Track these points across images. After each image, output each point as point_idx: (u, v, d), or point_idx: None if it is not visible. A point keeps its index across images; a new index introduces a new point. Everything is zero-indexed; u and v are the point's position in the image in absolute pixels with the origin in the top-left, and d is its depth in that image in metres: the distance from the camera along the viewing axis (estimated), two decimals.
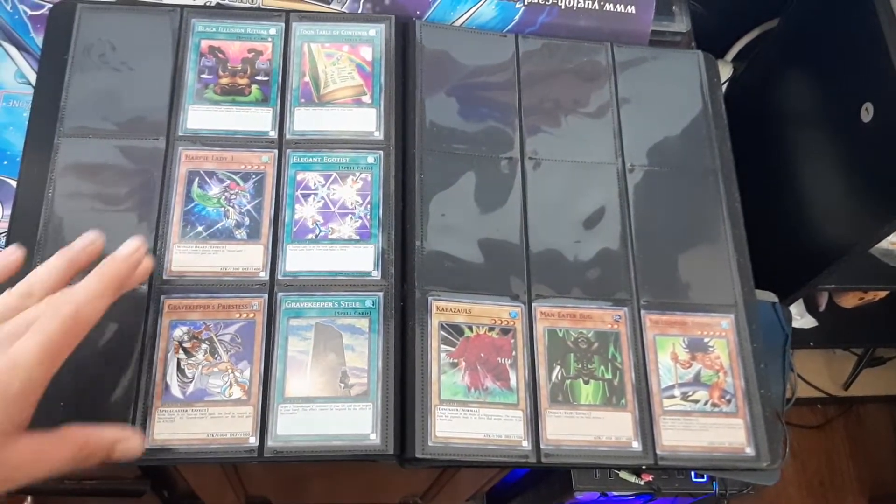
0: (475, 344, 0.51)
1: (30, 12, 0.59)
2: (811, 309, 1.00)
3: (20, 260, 0.42)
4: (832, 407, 1.39)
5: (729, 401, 0.52)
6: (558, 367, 0.52)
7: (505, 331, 0.52)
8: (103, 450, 0.38)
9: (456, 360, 0.50)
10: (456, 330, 0.51)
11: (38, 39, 0.58)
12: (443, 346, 0.51)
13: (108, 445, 0.38)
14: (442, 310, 0.52)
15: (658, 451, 0.50)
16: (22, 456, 0.34)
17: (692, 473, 0.65)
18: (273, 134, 0.55)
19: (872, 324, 1.06)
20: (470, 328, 0.52)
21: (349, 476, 0.79)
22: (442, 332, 0.51)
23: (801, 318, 0.98)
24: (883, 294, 0.97)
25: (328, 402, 0.48)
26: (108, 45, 0.57)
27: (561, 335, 0.52)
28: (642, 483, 0.64)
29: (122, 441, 0.39)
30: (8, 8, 0.59)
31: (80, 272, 0.42)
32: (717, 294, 0.55)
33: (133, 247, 0.42)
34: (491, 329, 0.52)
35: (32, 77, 0.58)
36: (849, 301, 1.00)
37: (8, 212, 0.54)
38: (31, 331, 0.36)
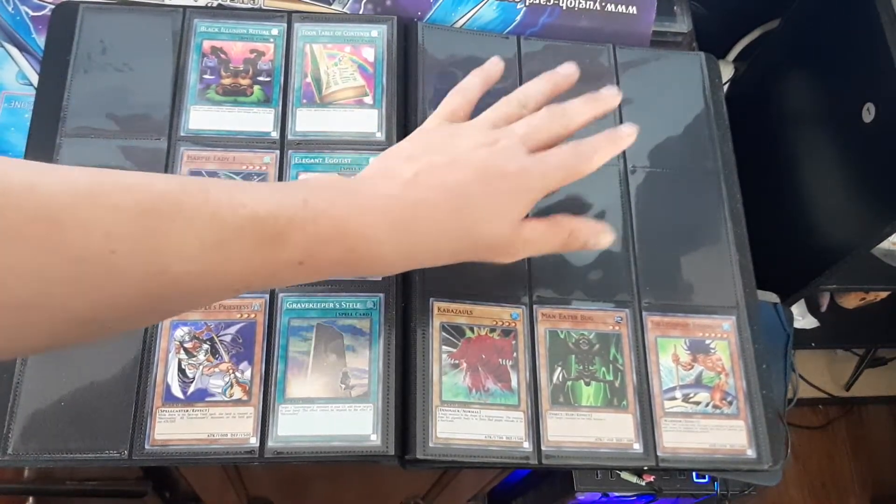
0: (476, 345, 0.51)
1: (31, 13, 0.60)
2: (813, 309, 1.00)
3: (501, 69, 0.49)
4: (834, 407, 1.39)
5: (730, 402, 0.52)
6: (559, 369, 0.51)
7: (506, 332, 0.52)
8: (586, 239, 0.44)
9: (457, 362, 0.50)
10: (457, 331, 0.51)
11: (40, 40, 0.59)
12: (444, 348, 0.51)
13: (589, 235, 0.44)
14: (443, 311, 0.52)
15: (659, 453, 0.50)
16: (532, 233, 0.42)
17: (694, 474, 0.65)
18: (275, 135, 0.56)
19: (874, 324, 1.06)
20: (471, 329, 0.52)
21: (351, 477, 0.79)
22: (443, 334, 0.51)
23: (802, 318, 0.98)
24: (884, 294, 0.97)
25: (329, 403, 0.48)
26: (110, 46, 0.57)
27: (562, 337, 0.52)
28: (644, 484, 0.64)
29: (600, 233, 0.44)
30: (9, 9, 0.59)
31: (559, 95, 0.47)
32: (718, 295, 0.55)
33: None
34: (492, 330, 0.52)
35: (34, 78, 0.59)
36: (850, 301, 0.99)
37: None
38: (558, 153, 0.41)
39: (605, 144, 0.43)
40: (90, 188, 0.30)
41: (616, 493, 0.67)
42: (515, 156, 0.40)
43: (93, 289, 0.30)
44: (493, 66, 0.49)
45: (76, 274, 0.29)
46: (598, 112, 0.44)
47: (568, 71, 0.47)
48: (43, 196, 0.29)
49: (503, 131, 0.42)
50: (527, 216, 0.42)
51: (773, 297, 0.68)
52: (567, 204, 0.56)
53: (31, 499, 0.85)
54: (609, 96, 0.45)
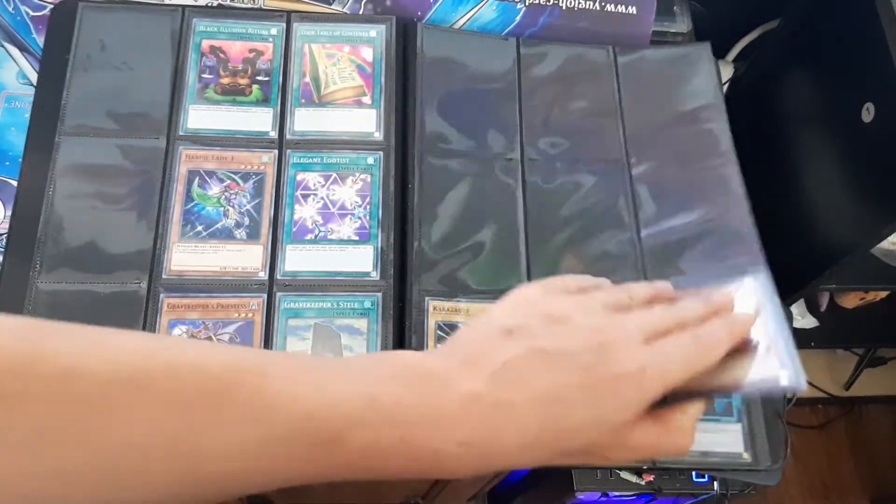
0: None
1: (31, 13, 0.60)
2: (812, 309, 1.00)
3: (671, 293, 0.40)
4: (833, 407, 1.39)
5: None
6: None
7: None
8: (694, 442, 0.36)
9: None
10: (453, 330, 0.51)
11: (40, 40, 0.59)
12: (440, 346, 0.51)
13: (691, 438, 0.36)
14: (438, 310, 0.52)
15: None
16: (642, 440, 0.34)
17: (693, 473, 0.65)
18: (273, 134, 0.56)
19: (873, 324, 1.05)
20: None
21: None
22: (439, 332, 0.51)
23: (802, 318, 0.98)
24: (884, 294, 0.97)
25: None
26: (109, 45, 0.57)
27: None
28: (643, 483, 0.64)
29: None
30: (10, 9, 0.59)
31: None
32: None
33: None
34: None
35: (34, 78, 0.59)
36: (850, 301, 0.99)
37: (9, 212, 0.54)
38: (679, 344, 0.34)
39: (726, 334, 0.36)
40: (135, 375, 0.27)
41: (616, 493, 0.67)
42: (631, 351, 0.33)
43: (119, 486, 0.27)
44: (664, 288, 0.40)
45: (101, 472, 0.27)
46: (715, 313, 0.37)
47: (666, 288, 0.40)
48: (80, 385, 0.26)
49: (619, 316, 0.35)
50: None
51: None
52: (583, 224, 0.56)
53: None
54: (749, 321, 0.37)
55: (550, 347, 0.33)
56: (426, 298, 0.51)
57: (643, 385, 0.33)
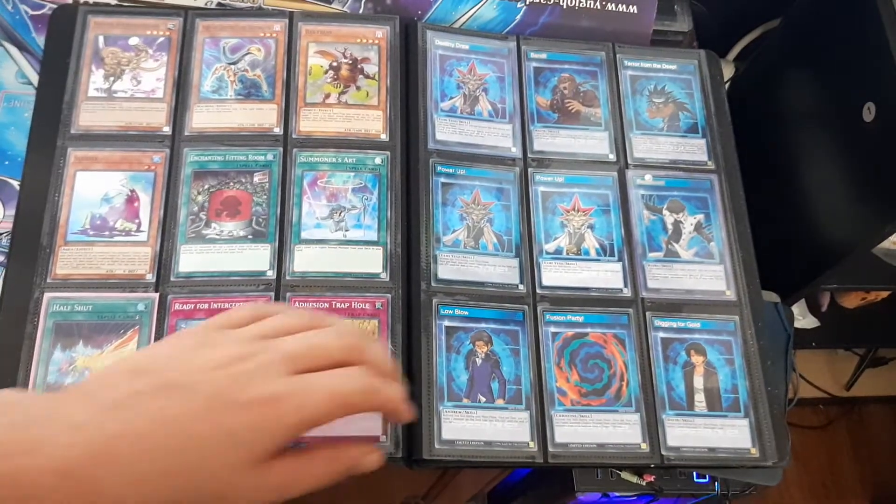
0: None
1: (31, 12, 0.59)
2: (813, 309, 1.00)
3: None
4: (834, 407, 1.39)
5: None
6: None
7: None
8: (354, 464, 0.35)
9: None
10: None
11: (40, 39, 0.58)
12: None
13: (354, 459, 0.35)
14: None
15: (664, 452, 0.50)
16: (281, 477, 0.32)
17: (694, 474, 0.65)
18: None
19: (875, 324, 1.05)
20: None
21: (351, 477, 0.78)
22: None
23: (803, 318, 0.98)
24: (885, 294, 0.97)
25: None
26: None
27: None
28: (644, 484, 0.63)
29: (368, 455, 0.35)
30: (9, 8, 0.59)
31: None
32: (722, 293, 0.55)
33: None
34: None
35: (34, 77, 0.58)
36: (851, 301, 0.99)
37: (9, 212, 0.54)
38: (329, 375, 0.32)
39: (391, 391, 0.34)
40: None
41: (616, 493, 0.66)
42: (268, 378, 0.31)
43: None
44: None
45: None
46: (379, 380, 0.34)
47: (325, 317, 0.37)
48: None
49: (268, 343, 0.33)
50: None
51: (773, 297, 0.68)
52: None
53: None
54: (393, 396, 0.34)
55: (176, 376, 0.31)
56: (434, 300, 0.51)
57: (277, 417, 0.31)
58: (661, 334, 0.53)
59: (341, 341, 0.34)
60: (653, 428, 0.51)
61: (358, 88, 0.58)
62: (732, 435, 0.51)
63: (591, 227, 0.56)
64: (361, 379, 0.33)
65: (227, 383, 0.31)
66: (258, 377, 0.31)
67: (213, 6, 0.60)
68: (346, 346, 0.33)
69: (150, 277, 0.51)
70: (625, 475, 0.64)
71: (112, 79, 0.56)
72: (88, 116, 0.55)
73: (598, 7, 0.63)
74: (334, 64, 0.58)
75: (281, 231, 0.52)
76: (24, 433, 0.29)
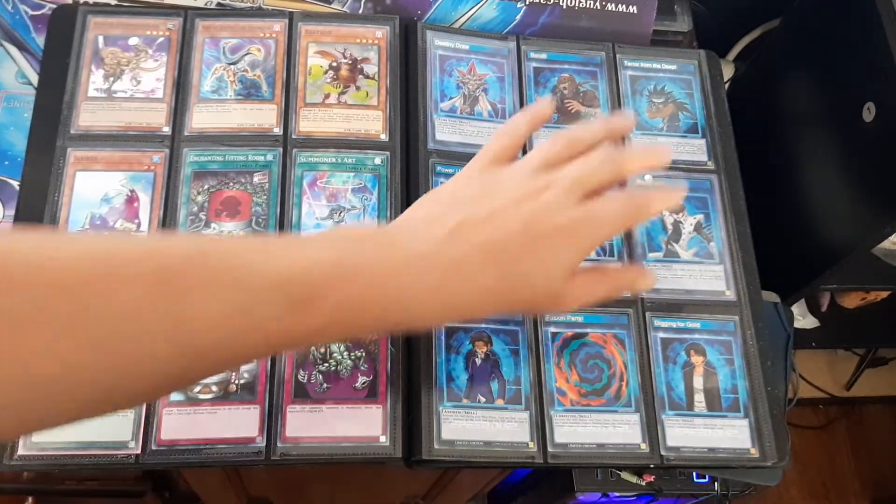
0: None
1: (31, 12, 0.59)
2: (813, 309, 1.00)
3: (552, 109, 0.45)
4: (834, 408, 1.39)
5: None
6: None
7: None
8: (630, 286, 0.42)
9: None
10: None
11: (40, 40, 0.58)
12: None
13: (632, 282, 0.42)
14: None
15: (663, 452, 0.50)
16: (581, 288, 0.39)
17: (694, 474, 0.65)
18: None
19: (874, 324, 1.05)
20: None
21: (351, 477, 0.79)
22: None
23: (802, 318, 0.98)
24: (885, 294, 0.97)
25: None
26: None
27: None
28: (644, 484, 0.63)
29: (640, 277, 0.42)
30: (9, 8, 0.59)
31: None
32: (722, 293, 0.55)
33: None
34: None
35: (33, 77, 0.58)
36: (851, 301, 0.99)
37: (9, 212, 0.54)
38: (610, 204, 0.39)
39: (659, 197, 0.40)
40: (106, 260, 0.29)
41: (616, 494, 0.66)
42: (563, 209, 0.37)
43: (114, 366, 0.28)
44: (542, 106, 0.44)
45: (96, 352, 0.28)
46: (653, 165, 0.42)
47: (626, 120, 0.44)
48: (57, 273, 0.27)
49: (550, 178, 0.39)
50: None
51: (773, 297, 0.68)
52: None
53: (30, 499, 0.85)
54: (664, 152, 0.42)
55: (488, 211, 0.37)
56: None
57: (578, 240, 0.38)
58: (661, 334, 0.53)
59: (613, 165, 0.40)
60: (652, 428, 0.51)
61: (358, 88, 0.58)
62: (732, 435, 0.51)
63: None
64: (633, 199, 0.39)
65: (535, 215, 0.37)
66: (555, 208, 0.37)
67: (212, 6, 0.60)
68: (616, 170, 0.40)
69: None
70: (624, 475, 0.64)
71: (112, 79, 0.56)
72: (88, 116, 0.55)
73: (598, 7, 0.63)
74: (334, 64, 0.58)
75: (281, 231, 0.52)
76: (388, 256, 0.35)
